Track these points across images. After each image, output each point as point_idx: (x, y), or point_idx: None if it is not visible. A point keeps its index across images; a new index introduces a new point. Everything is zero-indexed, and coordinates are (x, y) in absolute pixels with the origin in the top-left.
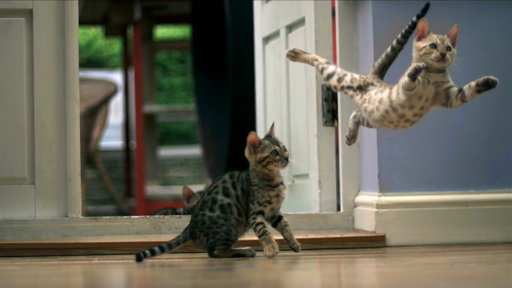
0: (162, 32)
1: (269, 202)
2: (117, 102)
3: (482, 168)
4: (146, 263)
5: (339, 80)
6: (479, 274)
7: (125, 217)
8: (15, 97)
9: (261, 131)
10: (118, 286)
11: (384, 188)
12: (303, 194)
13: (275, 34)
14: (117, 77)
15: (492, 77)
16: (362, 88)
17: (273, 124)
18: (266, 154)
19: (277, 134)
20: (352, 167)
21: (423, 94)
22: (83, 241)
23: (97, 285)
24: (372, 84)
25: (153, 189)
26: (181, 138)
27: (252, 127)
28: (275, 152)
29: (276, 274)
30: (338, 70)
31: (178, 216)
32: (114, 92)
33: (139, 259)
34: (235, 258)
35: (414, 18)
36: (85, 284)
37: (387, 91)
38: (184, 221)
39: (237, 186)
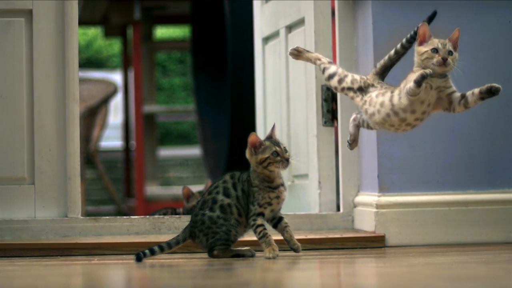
0: (162, 32)
1: (270, 204)
2: (116, 102)
3: (482, 168)
4: (146, 263)
5: (340, 81)
6: (478, 274)
7: (124, 217)
8: (15, 97)
9: (260, 131)
10: (117, 287)
11: (383, 188)
12: (303, 194)
13: (275, 34)
14: (116, 77)
15: (495, 85)
16: (362, 90)
17: (274, 125)
18: (267, 155)
19: (277, 135)
20: (351, 167)
21: (425, 99)
22: (82, 241)
23: (96, 285)
24: (372, 85)
25: (152, 189)
26: (181, 138)
27: (252, 127)
28: (276, 153)
29: (275, 274)
30: (340, 71)
31: (177, 216)
32: (113, 92)
33: (138, 259)
34: (235, 258)
35: (420, 25)
36: (85, 284)
37: (388, 94)
38: (183, 221)
39: (238, 186)
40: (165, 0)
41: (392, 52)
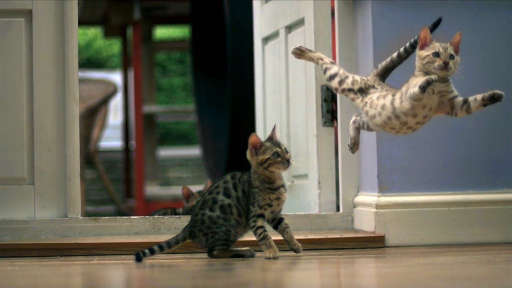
0: (162, 32)
1: (270, 205)
2: (116, 102)
3: (482, 169)
4: (146, 264)
5: (341, 82)
6: (478, 274)
7: (124, 217)
8: (15, 97)
9: (260, 132)
10: (117, 287)
11: (383, 188)
12: (303, 195)
13: (275, 35)
14: (116, 77)
15: (498, 92)
16: (363, 91)
17: (274, 126)
18: (267, 156)
19: (277, 136)
20: (351, 168)
21: (427, 103)
22: (82, 241)
23: (96, 286)
24: (373, 86)
25: (152, 190)
26: (181, 138)
27: (252, 127)
28: (277, 154)
29: (275, 274)
30: (341, 71)
31: (177, 216)
32: (113, 93)
33: (138, 258)
34: (235, 259)
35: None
36: (85, 284)
37: (389, 97)
38: (183, 221)
39: (238, 187)
40: (165, 0)
41: (395, 54)
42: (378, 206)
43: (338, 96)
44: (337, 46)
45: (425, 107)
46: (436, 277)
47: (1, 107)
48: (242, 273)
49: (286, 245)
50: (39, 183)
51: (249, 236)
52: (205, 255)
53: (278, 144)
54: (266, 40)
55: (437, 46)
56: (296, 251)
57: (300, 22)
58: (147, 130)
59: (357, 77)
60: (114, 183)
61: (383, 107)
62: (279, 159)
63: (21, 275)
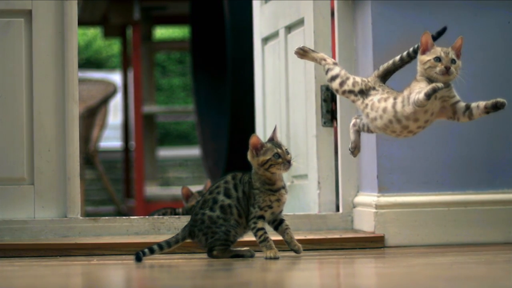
0: (161, 32)
1: (270, 207)
2: (116, 102)
3: (481, 169)
4: (145, 264)
5: (341, 83)
6: (478, 274)
7: (124, 217)
8: (14, 97)
9: (260, 132)
10: (117, 287)
11: (383, 188)
12: (302, 195)
13: (274, 35)
14: (116, 77)
15: (500, 100)
16: (363, 92)
17: (275, 128)
18: (268, 157)
19: (278, 137)
20: (351, 168)
21: (429, 108)
22: (82, 241)
23: (96, 286)
24: (374, 88)
25: (152, 190)
26: (180, 138)
27: (251, 127)
28: (278, 155)
29: (275, 274)
30: (342, 73)
31: (177, 216)
32: (113, 93)
33: (138, 258)
34: (234, 259)
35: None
36: (84, 284)
37: (391, 100)
38: (183, 221)
39: (239, 188)
40: (164, 0)
41: (397, 58)
42: (378, 206)
43: (338, 96)
44: (337, 46)
45: (427, 112)
46: (436, 277)
47: (1, 107)
48: (242, 273)
49: (286, 245)
50: (38, 183)
51: (249, 237)
52: (204, 255)
53: (279, 145)
54: (265, 40)
55: (438, 50)
56: (296, 251)
57: (300, 22)
58: (146, 130)
59: (358, 79)
60: (114, 183)
61: (384, 110)
62: (280, 160)
63: (20, 275)
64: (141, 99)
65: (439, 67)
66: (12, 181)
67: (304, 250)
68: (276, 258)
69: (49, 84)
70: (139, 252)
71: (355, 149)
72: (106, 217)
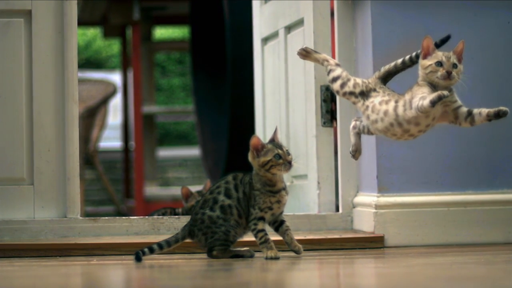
0: (161, 32)
1: (270, 208)
2: (116, 102)
3: (481, 169)
4: (145, 264)
5: (342, 85)
6: (478, 274)
7: (124, 217)
8: (14, 97)
9: (260, 132)
10: (117, 287)
11: (382, 188)
12: (302, 195)
13: (274, 35)
14: (116, 77)
15: (503, 109)
16: (364, 94)
17: (276, 129)
18: (269, 158)
19: (279, 138)
20: (350, 168)
21: (431, 113)
22: (82, 241)
23: (96, 286)
24: (374, 89)
25: (152, 190)
26: (180, 138)
27: (251, 128)
28: (278, 156)
29: (275, 274)
30: (344, 74)
31: (177, 217)
32: (113, 93)
33: (138, 257)
34: (234, 259)
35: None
36: (84, 284)
37: (392, 103)
38: (182, 222)
39: (239, 188)
40: (164, 0)
41: (400, 61)
42: (378, 207)
43: (338, 96)
44: (337, 47)
45: (428, 117)
46: (436, 277)
47: (1, 107)
48: (242, 273)
49: (287, 246)
50: (38, 183)
51: (249, 237)
52: (204, 255)
53: (279, 146)
54: (265, 40)
55: (439, 55)
56: (297, 252)
57: (300, 23)
58: (146, 131)
59: (359, 80)
60: (114, 184)
61: (385, 113)
62: (281, 161)
63: (20, 276)
64: (140, 99)
65: (441, 72)
66: (11, 181)
67: (304, 250)
68: (276, 258)
69: (49, 84)
70: (139, 252)
71: (356, 152)
72: (106, 217)
